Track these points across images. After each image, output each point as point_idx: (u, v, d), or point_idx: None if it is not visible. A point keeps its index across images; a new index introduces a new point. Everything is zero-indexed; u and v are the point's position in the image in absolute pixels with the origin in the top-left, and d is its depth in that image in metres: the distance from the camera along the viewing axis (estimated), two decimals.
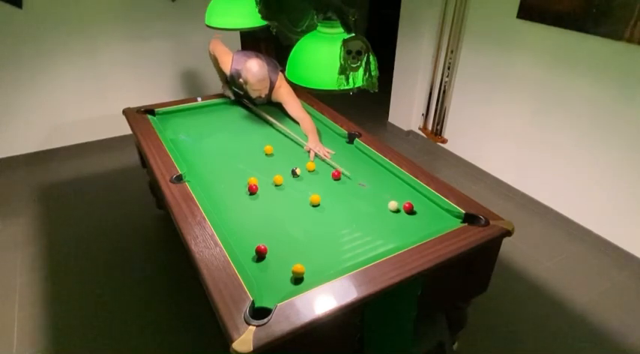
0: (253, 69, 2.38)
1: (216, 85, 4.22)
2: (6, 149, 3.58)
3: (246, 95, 2.63)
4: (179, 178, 1.96)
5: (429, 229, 1.68)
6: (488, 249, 1.70)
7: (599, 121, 2.64)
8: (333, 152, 2.28)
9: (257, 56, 2.54)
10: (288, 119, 2.65)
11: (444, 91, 3.64)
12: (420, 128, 4.02)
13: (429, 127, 3.93)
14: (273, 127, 2.61)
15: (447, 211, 1.81)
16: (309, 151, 2.32)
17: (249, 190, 1.96)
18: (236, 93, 2.79)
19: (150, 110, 2.66)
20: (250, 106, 2.80)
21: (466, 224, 1.69)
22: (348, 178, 2.10)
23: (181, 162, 2.12)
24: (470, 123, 3.52)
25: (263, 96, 2.55)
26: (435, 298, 1.68)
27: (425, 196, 1.92)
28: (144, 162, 2.64)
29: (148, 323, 2.23)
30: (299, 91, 2.92)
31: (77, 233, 2.86)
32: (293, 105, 2.60)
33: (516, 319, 2.30)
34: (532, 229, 2.98)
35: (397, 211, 1.84)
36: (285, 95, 2.61)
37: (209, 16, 1.98)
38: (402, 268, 1.46)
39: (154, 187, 2.90)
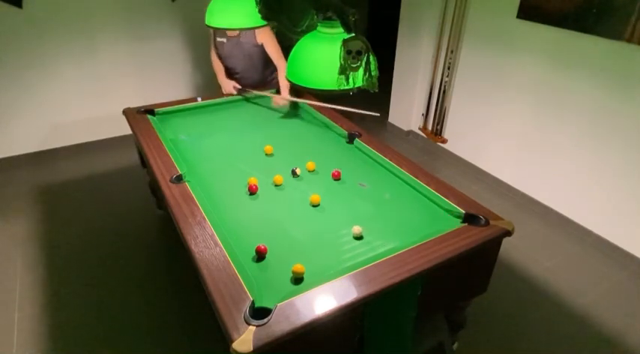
0: None
1: (216, 85, 4.22)
2: (6, 149, 3.58)
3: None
4: (179, 178, 1.96)
5: (429, 229, 1.68)
6: (488, 249, 1.70)
7: (598, 121, 2.64)
8: (287, 98, 2.81)
9: None
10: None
11: (444, 91, 3.63)
12: (420, 128, 4.02)
13: (429, 127, 3.93)
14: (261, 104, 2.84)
15: (447, 211, 1.81)
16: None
17: (249, 190, 1.96)
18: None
19: (150, 110, 2.67)
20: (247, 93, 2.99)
21: (466, 224, 1.69)
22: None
23: (181, 162, 2.12)
24: (470, 123, 3.52)
25: (237, 34, 2.78)
26: (435, 298, 1.68)
27: (425, 196, 1.92)
28: (144, 162, 2.64)
29: (147, 323, 2.23)
30: (299, 91, 2.92)
31: (77, 233, 2.86)
32: (273, 47, 2.87)
33: (516, 319, 2.30)
34: (532, 229, 2.98)
35: (360, 237, 1.70)
36: (267, 36, 2.84)
37: (209, 16, 1.97)
38: (402, 268, 1.46)
39: (154, 187, 2.90)
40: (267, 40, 2.87)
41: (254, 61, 2.98)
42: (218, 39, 2.93)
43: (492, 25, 3.09)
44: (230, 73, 3.10)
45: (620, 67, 2.46)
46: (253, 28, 1.92)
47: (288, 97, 2.86)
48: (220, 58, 3.02)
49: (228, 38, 2.89)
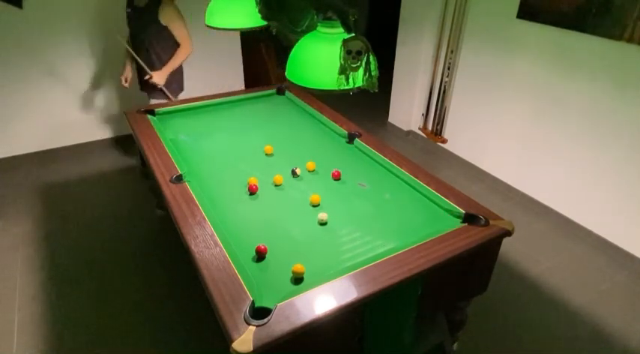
0: None
1: (216, 86, 4.22)
2: (6, 149, 3.58)
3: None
4: (179, 178, 1.96)
5: (429, 229, 1.68)
6: (488, 249, 1.70)
7: (598, 121, 2.64)
8: (160, 83, 2.84)
9: None
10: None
11: (444, 91, 3.64)
12: (420, 128, 4.02)
13: (429, 127, 3.93)
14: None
15: (447, 211, 1.81)
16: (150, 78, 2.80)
17: (249, 190, 1.96)
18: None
19: (150, 110, 2.66)
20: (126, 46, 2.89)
21: (466, 224, 1.69)
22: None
23: (181, 162, 2.12)
24: (470, 123, 3.52)
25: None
26: (435, 298, 1.68)
27: (425, 196, 1.92)
28: (144, 162, 2.64)
29: (147, 323, 2.24)
30: (299, 90, 2.92)
31: (77, 233, 2.86)
32: (178, 32, 2.76)
33: (516, 319, 2.30)
34: (532, 229, 2.98)
35: (325, 223, 1.77)
36: (169, 17, 2.70)
37: (209, 16, 1.97)
38: (402, 268, 1.46)
39: (154, 187, 2.90)
40: (172, 23, 2.67)
41: (154, 48, 2.79)
42: (127, 9, 2.77)
43: (492, 25, 3.09)
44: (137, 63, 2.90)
45: (620, 67, 2.46)
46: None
47: (159, 79, 2.82)
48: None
49: (135, 9, 2.70)
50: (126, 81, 3.06)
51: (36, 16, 3.25)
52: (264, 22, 1.85)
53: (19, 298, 2.37)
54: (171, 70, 2.86)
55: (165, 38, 2.77)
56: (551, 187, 3.04)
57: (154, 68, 2.86)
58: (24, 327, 2.20)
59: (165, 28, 2.72)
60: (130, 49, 2.81)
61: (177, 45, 2.84)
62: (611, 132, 2.59)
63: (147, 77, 2.84)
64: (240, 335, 1.21)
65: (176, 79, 3.01)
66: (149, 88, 2.95)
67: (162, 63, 2.86)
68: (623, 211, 2.65)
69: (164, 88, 2.91)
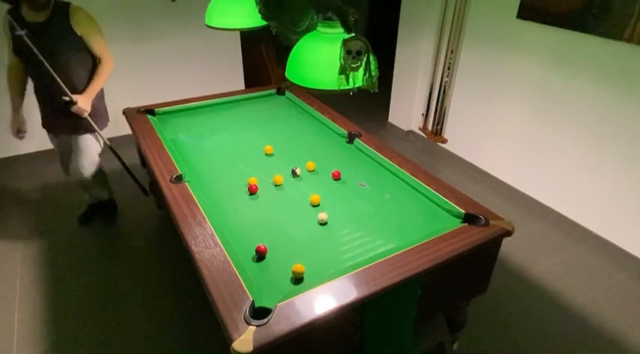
0: None
1: (216, 86, 4.22)
2: (6, 149, 3.58)
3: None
4: (179, 178, 1.96)
5: (429, 229, 1.68)
6: (488, 249, 1.70)
7: (599, 121, 2.64)
8: (87, 111, 2.38)
9: None
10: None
11: (444, 91, 3.64)
12: (420, 128, 4.02)
13: (429, 127, 3.93)
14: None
15: (447, 211, 1.81)
16: (70, 101, 2.28)
17: (249, 190, 1.96)
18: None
19: (150, 110, 2.67)
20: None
21: (466, 224, 1.69)
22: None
23: (181, 162, 2.12)
24: (470, 123, 3.52)
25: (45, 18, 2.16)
26: (435, 298, 1.68)
27: (425, 196, 1.92)
28: (144, 162, 2.64)
29: (147, 323, 2.23)
30: (299, 90, 2.93)
31: (77, 233, 2.86)
32: (97, 42, 2.34)
33: (516, 319, 2.30)
34: (532, 229, 2.98)
35: (325, 223, 1.77)
36: (87, 24, 2.26)
37: (209, 16, 1.97)
38: (402, 268, 1.46)
39: (154, 187, 2.90)
40: (89, 30, 2.26)
41: (74, 65, 2.29)
42: (15, 33, 2.11)
43: (492, 25, 3.09)
44: (39, 97, 2.35)
45: (620, 67, 2.46)
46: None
47: (84, 104, 2.32)
48: (24, 67, 2.28)
49: (30, 26, 2.11)
50: (20, 132, 2.50)
51: None
52: (264, 22, 1.85)
53: (19, 298, 2.37)
54: (97, 91, 2.42)
55: (84, 51, 2.33)
56: (551, 187, 3.04)
57: (76, 92, 2.33)
58: (24, 327, 2.20)
59: (81, 38, 2.27)
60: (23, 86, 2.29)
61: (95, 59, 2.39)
62: (611, 132, 2.59)
63: (67, 99, 2.29)
64: (240, 335, 1.21)
65: (103, 108, 2.63)
66: (73, 121, 2.40)
67: (85, 83, 2.36)
68: (622, 211, 2.65)
69: (89, 118, 2.42)
